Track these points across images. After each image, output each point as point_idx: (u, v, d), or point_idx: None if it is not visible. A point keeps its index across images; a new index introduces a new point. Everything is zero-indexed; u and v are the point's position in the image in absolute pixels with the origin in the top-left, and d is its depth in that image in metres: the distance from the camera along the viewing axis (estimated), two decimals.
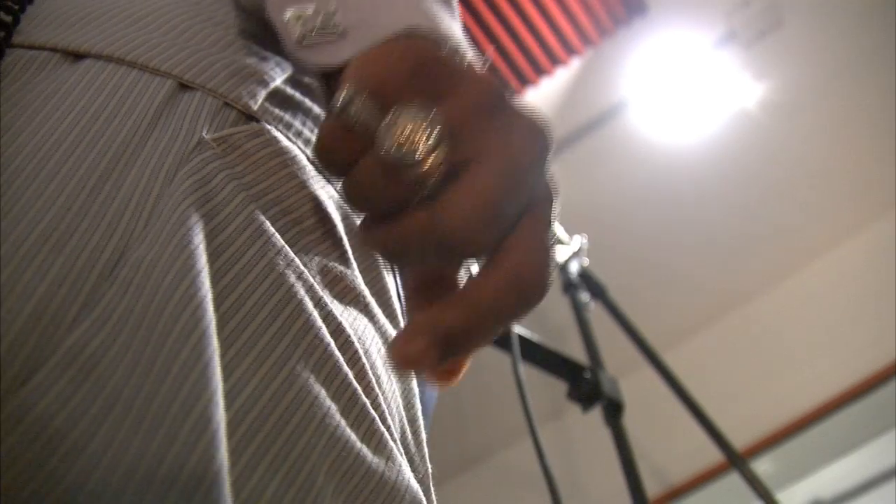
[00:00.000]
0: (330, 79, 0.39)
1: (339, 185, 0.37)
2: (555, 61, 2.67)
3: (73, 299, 0.31)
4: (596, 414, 1.61)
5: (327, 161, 0.35)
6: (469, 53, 0.39)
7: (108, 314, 0.31)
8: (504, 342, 1.57)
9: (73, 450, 0.27)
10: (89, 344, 0.30)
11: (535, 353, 1.64)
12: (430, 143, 0.33)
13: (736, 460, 1.57)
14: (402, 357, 0.33)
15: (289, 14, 0.39)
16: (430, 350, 0.33)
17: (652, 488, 2.41)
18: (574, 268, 1.85)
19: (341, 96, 0.34)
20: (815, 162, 2.86)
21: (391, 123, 0.33)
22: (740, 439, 2.53)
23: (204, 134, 0.38)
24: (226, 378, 0.31)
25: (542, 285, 0.34)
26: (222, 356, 0.32)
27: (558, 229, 1.92)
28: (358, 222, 0.40)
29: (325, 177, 0.43)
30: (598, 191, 2.73)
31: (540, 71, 2.69)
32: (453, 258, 0.35)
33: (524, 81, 2.70)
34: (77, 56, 0.40)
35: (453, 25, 0.41)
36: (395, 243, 0.35)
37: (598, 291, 1.83)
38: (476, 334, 0.34)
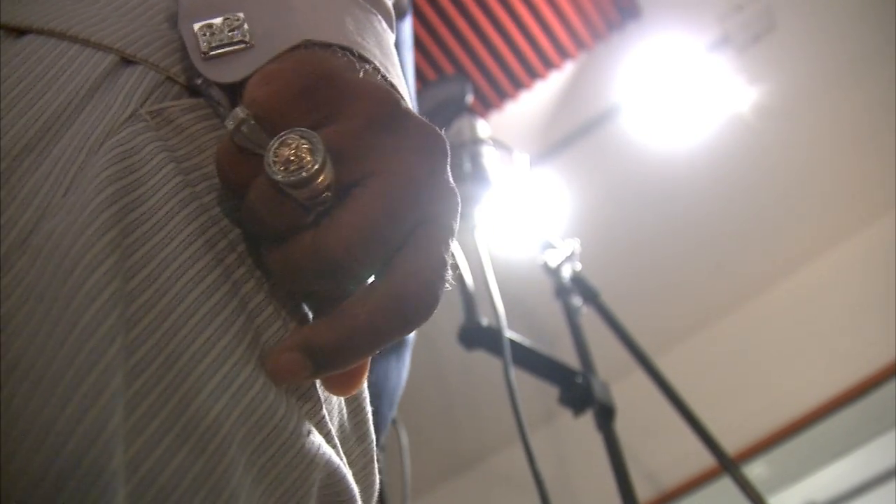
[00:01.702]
0: (235, 93, 0.38)
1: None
2: (548, 65, 2.68)
3: None
4: (587, 418, 1.61)
5: (225, 182, 0.36)
6: (374, 60, 0.39)
7: (17, 282, 0.30)
8: (495, 347, 1.57)
9: None
10: None
11: (526, 358, 1.64)
12: (315, 165, 0.33)
13: (728, 465, 1.57)
14: (274, 369, 0.34)
15: (197, 25, 0.38)
16: (302, 365, 0.34)
17: (644, 493, 2.41)
18: (566, 272, 1.84)
19: (231, 119, 0.34)
20: (810, 166, 2.86)
21: (277, 146, 0.34)
22: (734, 443, 2.53)
23: (139, 106, 0.37)
24: (132, 352, 0.31)
25: (425, 305, 0.35)
26: (129, 330, 0.31)
27: (551, 236, 1.92)
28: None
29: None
30: (590, 195, 2.73)
31: (534, 75, 2.69)
32: (337, 282, 0.35)
33: (518, 85, 2.70)
34: (20, 32, 0.40)
35: (362, 29, 0.41)
36: (283, 267, 0.35)
37: (590, 296, 1.83)
38: (349, 354, 0.35)
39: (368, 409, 0.44)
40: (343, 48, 0.38)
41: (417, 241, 0.35)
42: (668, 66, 2.69)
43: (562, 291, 1.83)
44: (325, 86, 0.35)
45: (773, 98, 2.72)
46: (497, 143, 1.98)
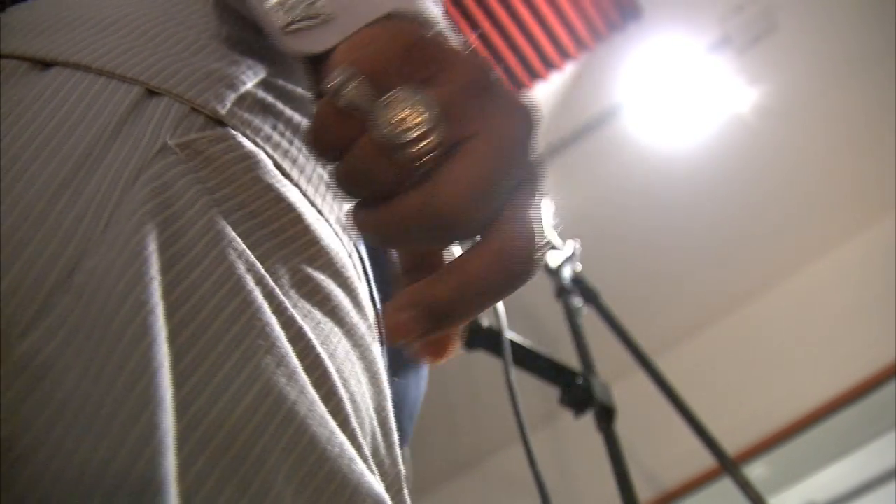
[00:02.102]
0: (317, 65, 0.38)
1: (330, 170, 0.37)
2: (550, 65, 2.68)
3: (26, 307, 0.30)
4: (588, 419, 1.61)
5: (322, 145, 0.36)
6: (452, 36, 0.39)
7: (62, 322, 0.30)
8: (496, 347, 1.57)
9: (23, 456, 0.27)
10: (41, 351, 0.29)
11: (527, 359, 1.64)
12: (425, 124, 0.33)
13: (728, 465, 1.57)
14: (390, 328, 0.34)
15: (272, 2, 0.38)
16: (417, 321, 0.34)
17: (644, 493, 2.41)
18: (567, 273, 1.84)
19: (335, 79, 0.34)
20: (809, 167, 2.86)
21: (386, 105, 0.33)
22: (735, 443, 2.53)
23: (168, 139, 0.38)
24: (180, 385, 0.31)
25: (529, 262, 0.35)
26: (176, 365, 0.31)
27: (550, 227, 1.92)
28: (346, 209, 0.40)
29: (319, 162, 0.42)
30: (591, 195, 2.73)
31: (535, 75, 2.69)
32: (447, 237, 0.35)
33: (518, 86, 2.70)
34: (45, 64, 0.40)
35: (435, 9, 0.42)
36: (391, 225, 0.35)
37: (590, 297, 1.83)
38: (462, 308, 0.35)
39: (395, 434, 0.44)
40: (428, 20, 0.38)
41: (517, 202, 0.36)
42: (669, 67, 2.69)
43: (562, 292, 1.83)
44: (424, 49, 0.35)
45: (773, 99, 2.72)
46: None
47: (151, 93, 0.40)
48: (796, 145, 2.83)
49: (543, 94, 2.76)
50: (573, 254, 1.87)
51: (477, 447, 3.16)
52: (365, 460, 0.38)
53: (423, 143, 0.33)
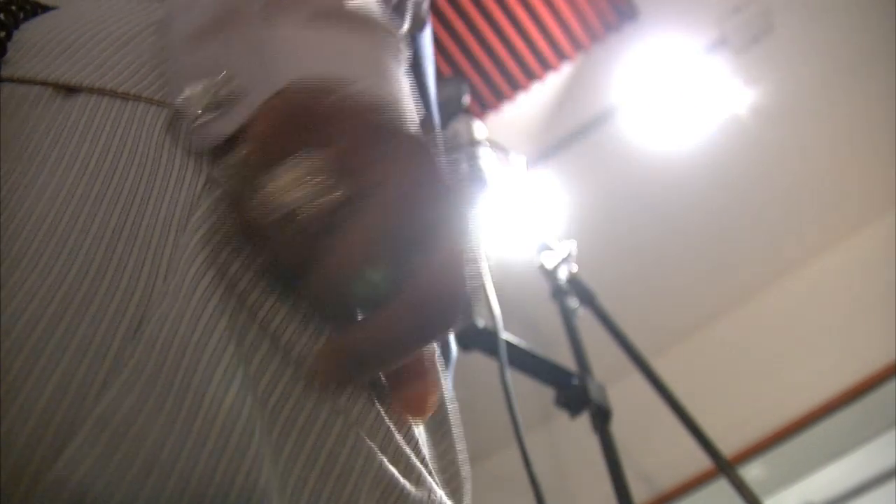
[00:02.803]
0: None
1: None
2: (546, 66, 2.68)
3: (99, 365, 0.30)
4: (584, 420, 1.61)
5: (232, 222, 0.35)
6: (363, 81, 0.39)
7: (138, 375, 0.30)
8: (492, 348, 1.57)
9: None
10: (121, 407, 0.29)
11: (522, 360, 1.64)
12: (318, 185, 0.33)
13: (724, 466, 1.57)
14: (316, 372, 0.35)
15: (185, 94, 0.38)
16: (339, 368, 0.34)
17: (640, 495, 2.41)
18: (563, 274, 1.84)
19: (232, 156, 0.34)
20: (807, 167, 2.87)
21: (276, 176, 0.33)
22: (731, 444, 2.53)
23: (211, 168, 0.37)
24: (270, 426, 0.31)
25: (447, 312, 0.35)
26: (264, 410, 0.31)
27: (548, 238, 1.92)
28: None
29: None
30: (587, 196, 2.73)
31: (531, 76, 2.69)
32: (359, 293, 0.35)
33: (515, 87, 2.70)
34: (69, 89, 0.39)
35: (347, 56, 0.41)
36: (317, 296, 0.35)
37: (586, 298, 1.83)
38: (379, 358, 0.35)
39: (458, 448, 0.44)
40: (324, 80, 0.38)
41: (430, 246, 0.35)
42: (666, 68, 2.69)
43: (558, 293, 1.83)
44: (309, 112, 0.35)
45: (770, 99, 2.72)
46: (494, 145, 1.98)
47: (181, 113, 0.39)
48: (793, 146, 2.83)
49: (540, 95, 2.76)
50: (569, 255, 1.87)
51: (472, 448, 3.15)
52: (436, 486, 0.38)
53: (325, 203, 0.33)
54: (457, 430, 0.44)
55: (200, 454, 0.28)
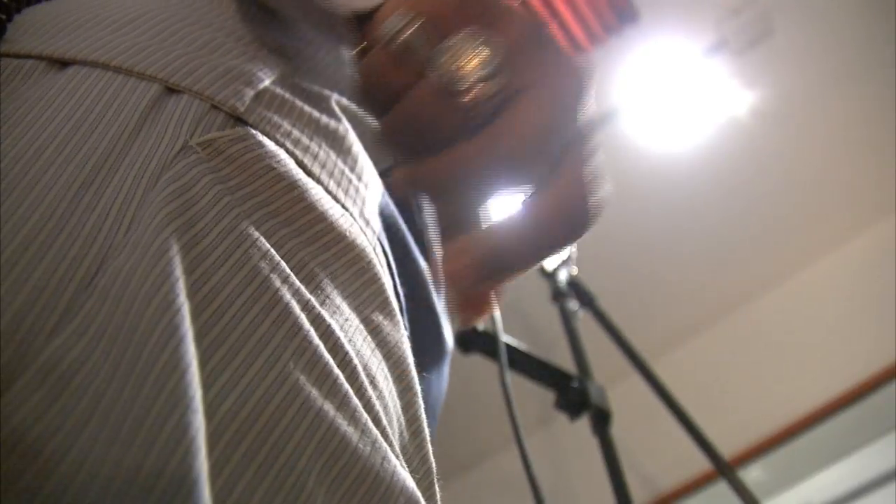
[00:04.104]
0: (362, 23, 0.38)
1: (377, 123, 0.37)
2: None
3: (52, 309, 0.30)
4: (584, 422, 1.61)
5: (374, 93, 0.36)
6: None
7: (88, 324, 0.30)
8: (492, 351, 1.57)
9: (51, 460, 0.27)
10: (68, 354, 0.29)
11: (522, 362, 1.64)
12: (485, 70, 0.33)
13: (724, 468, 1.57)
14: (449, 272, 0.34)
15: None
16: (476, 267, 0.34)
17: (640, 497, 2.41)
18: (563, 276, 1.84)
19: (392, 25, 0.34)
20: (806, 170, 2.87)
21: (447, 50, 0.33)
22: (731, 446, 2.53)
23: (189, 138, 0.37)
24: (208, 386, 0.31)
25: (586, 214, 0.36)
26: (203, 365, 0.31)
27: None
28: (394, 167, 0.40)
29: (367, 114, 0.42)
30: None
31: None
32: (507, 185, 0.35)
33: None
34: (63, 63, 0.40)
35: None
36: (450, 174, 0.35)
37: (586, 300, 1.83)
38: (522, 256, 0.35)
39: (427, 431, 0.43)
40: None
41: (572, 155, 0.36)
42: (665, 70, 2.69)
43: (558, 295, 1.83)
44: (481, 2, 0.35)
45: (770, 102, 2.72)
46: None
47: (170, 90, 0.39)
48: (793, 148, 2.83)
49: None
50: (569, 257, 1.87)
51: (472, 450, 3.16)
52: (397, 457, 0.37)
53: (483, 89, 0.33)
54: (426, 432, 0.44)
55: (134, 402, 0.28)
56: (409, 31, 0.34)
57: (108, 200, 0.34)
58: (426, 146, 0.35)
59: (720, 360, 3.00)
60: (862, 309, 2.77)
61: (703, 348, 3.08)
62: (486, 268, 0.35)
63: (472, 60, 0.33)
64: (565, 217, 0.35)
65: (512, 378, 1.53)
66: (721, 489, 1.81)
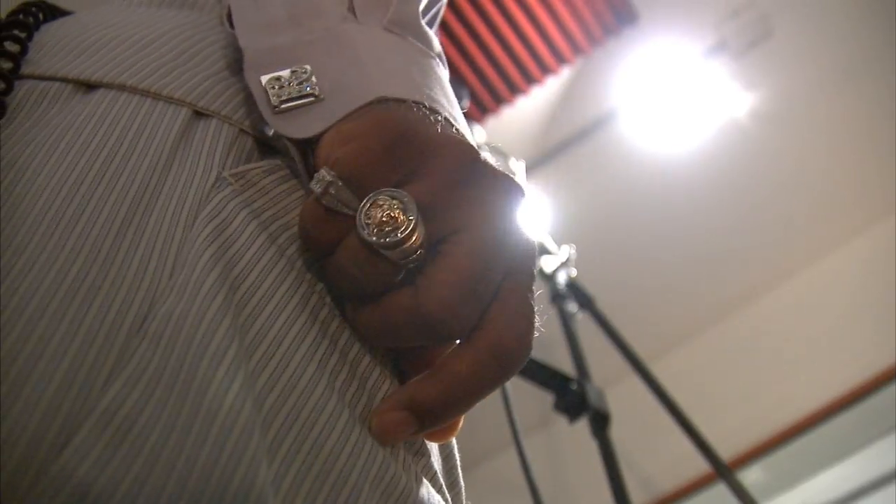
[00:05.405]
0: (306, 145, 0.39)
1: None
2: (546, 70, 2.68)
3: (105, 357, 0.30)
4: (583, 423, 1.61)
5: (311, 243, 0.36)
6: (443, 110, 0.39)
7: (141, 371, 0.30)
8: None
9: None
10: (125, 403, 0.29)
11: None
12: (408, 223, 0.34)
13: (723, 470, 1.57)
14: (381, 429, 0.35)
15: (265, 79, 0.38)
16: (407, 423, 0.35)
17: (638, 499, 2.41)
18: (562, 278, 1.84)
19: (318, 181, 0.34)
20: (806, 171, 2.87)
21: (369, 207, 0.34)
22: (730, 448, 2.53)
23: (222, 168, 0.37)
24: (267, 427, 0.31)
25: (521, 355, 0.36)
26: (261, 409, 0.31)
27: (546, 242, 1.92)
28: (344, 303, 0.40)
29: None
30: (586, 200, 2.73)
31: (530, 80, 2.69)
32: (437, 338, 0.35)
33: (515, 91, 2.70)
34: (89, 86, 0.39)
35: (428, 79, 0.41)
36: (380, 325, 0.36)
37: (585, 302, 1.83)
38: (452, 408, 0.35)
39: (457, 456, 0.44)
40: (415, 102, 0.38)
41: (507, 292, 0.36)
42: (665, 72, 2.69)
43: (557, 297, 1.83)
44: (406, 143, 0.36)
45: (769, 103, 2.72)
46: (494, 149, 1.98)
47: (199, 114, 0.39)
48: (792, 150, 2.83)
49: (540, 99, 2.77)
50: (568, 259, 1.87)
51: (471, 452, 3.16)
52: (440, 490, 0.38)
53: (407, 244, 0.34)
54: (457, 455, 0.45)
55: (199, 454, 0.28)
56: (333, 190, 0.34)
57: (149, 240, 0.34)
58: (363, 293, 0.36)
59: (719, 361, 3.00)
60: (861, 310, 2.76)
61: (703, 350, 3.08)
62: (416, 423, 0.35)
63: (392, 216, 0.34)
64: (494, 367, 0.35)
65: (510, 380, 1.53)
66: (720, 491, 1.81)
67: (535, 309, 0.37)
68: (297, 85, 0.38)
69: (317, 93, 0.38)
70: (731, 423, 2.65)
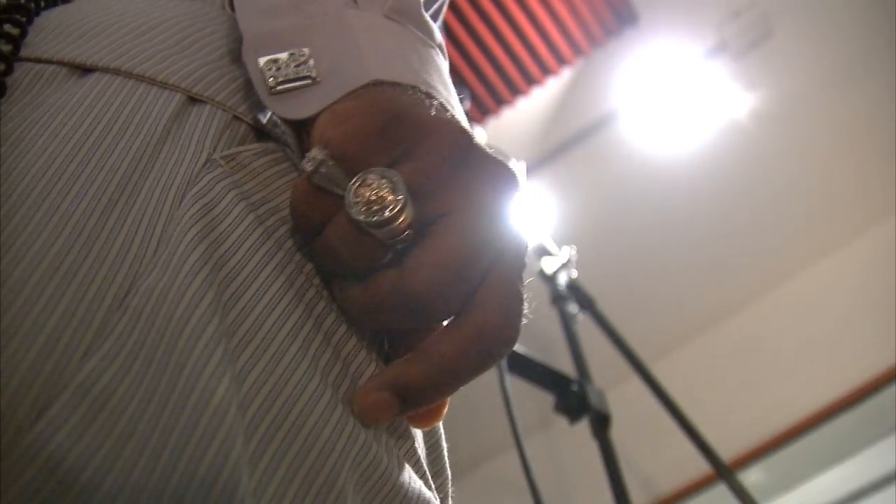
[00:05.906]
0: (301, 128, 0.39)
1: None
2: (546, 71, 2.68)
3: (84, 331, 0.30)
4: (583, 424, 1.61)
5: (300, 222, 0.36)
6: (439, 96, 0.39)
7: (120, 345, 0.30)
8: None
9: (88, 487, 0.27)
10: (102, 377, 0.29)
11: (522, 366, 1.64)
12: (396, 203, 0.34)
13: (723, 471, 1.57)
14: (364, 409, 0.35)
15: (263, 60, 0.39)
16: (390, 404, 0.35)
17: (639, 500, 2.40)
18: (562, 279, 1.84)
19: (310, 160, 0.35)
20: (807, 171, 2.87)
21: (358, 186, 0.34)
22: (731, 449, 2.53)
23: (213, 151, 0.37)
24: (247, 406, 0.31)
25: (508, 338, 0.36)
26: (241, 384, 0.31)
27: (547, 243, 1.92)
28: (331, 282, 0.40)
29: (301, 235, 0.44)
30: (587, 201, 2.73)
31: (531, 81, 2.69)
32: (422, 319, 0.36)
33: (515, 92, 2.70)
34: (85, 70, 0.40)
35: (427, 66, 0.42)
36: (365, 304, 0.36)
37: (586, 303, 1.83)
38: (435, 391, 0.35)
39: (444, 444, 0.44)
40: (411, 86, 0.38)
41: (495, 277, 0.36)
42: (666, 73, 2.69)
43: (558, 298, 1.83)
44: (399, 124, 0.36)
45: (769, 104, 2.72)
46: (494, 150, 1.98)
47: (193, 100, 0.39)
48: (793, 150, 2.83)
49: (540, 100, 2.77)
50: (569, 260, 1.87)
51: (472, 453, 3.16)
52: (405, 463, 0.38)
53: (394, 224, 0.34)
54: (444, 445, 0.45)
55: (173, 428, 0.28)
56: (324, 169, 0.35)
57: (135, 218, 0.34)
58: (351, 272, 0.36)
59: (720, 362, 2.99)
60: (862, 311, 2.76)
61: (703, 351, 3.07)
62: (399, 404, 0.35)
63: (381, 196, 0.34)
64: (479, 351, 0.35)
65: (511, 381, 1.54)
66: (720, 492, 1.81)
67: (525, 295, 0.37)
68: (294, 67, 0.39)
69: (313, 75, 0.38)
70: (731, 424, 2.65)
